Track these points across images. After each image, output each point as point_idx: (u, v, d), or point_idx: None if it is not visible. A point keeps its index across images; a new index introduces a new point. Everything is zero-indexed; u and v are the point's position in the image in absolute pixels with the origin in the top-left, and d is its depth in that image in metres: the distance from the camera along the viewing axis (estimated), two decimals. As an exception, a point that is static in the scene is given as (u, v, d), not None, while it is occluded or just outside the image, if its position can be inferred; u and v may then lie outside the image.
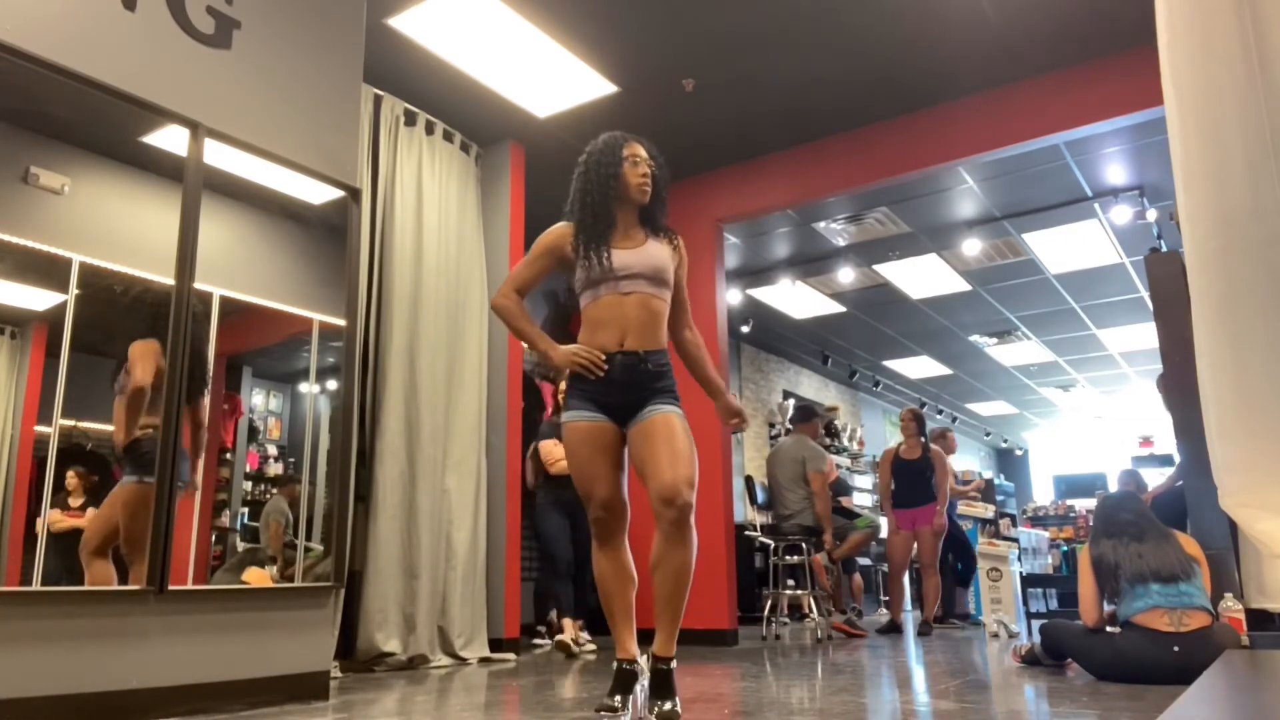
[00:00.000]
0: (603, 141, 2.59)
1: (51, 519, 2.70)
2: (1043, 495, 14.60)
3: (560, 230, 2.57)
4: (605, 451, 2.44)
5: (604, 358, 2.44)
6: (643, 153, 2.58)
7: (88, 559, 2.78)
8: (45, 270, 2.79)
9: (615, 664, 2.43)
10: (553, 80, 4.70)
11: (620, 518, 2.49)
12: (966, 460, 14.91)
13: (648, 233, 2.58)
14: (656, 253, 2.53)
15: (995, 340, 9.73)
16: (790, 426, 6.45)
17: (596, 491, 2.43)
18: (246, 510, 3.60)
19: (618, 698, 2.36)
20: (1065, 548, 9.10)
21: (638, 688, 2.41)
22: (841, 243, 6.94)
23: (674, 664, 2.35)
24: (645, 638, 2.31)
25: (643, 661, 2.45)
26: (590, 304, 2.51)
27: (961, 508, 7.67)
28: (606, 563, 2.48)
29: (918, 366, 10.91)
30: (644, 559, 2.40)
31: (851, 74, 4.78)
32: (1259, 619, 3.29)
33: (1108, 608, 3.29)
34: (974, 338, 9.63)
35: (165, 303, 2.80)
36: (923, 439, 6.43)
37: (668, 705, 2.27)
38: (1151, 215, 6.06)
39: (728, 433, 5.64)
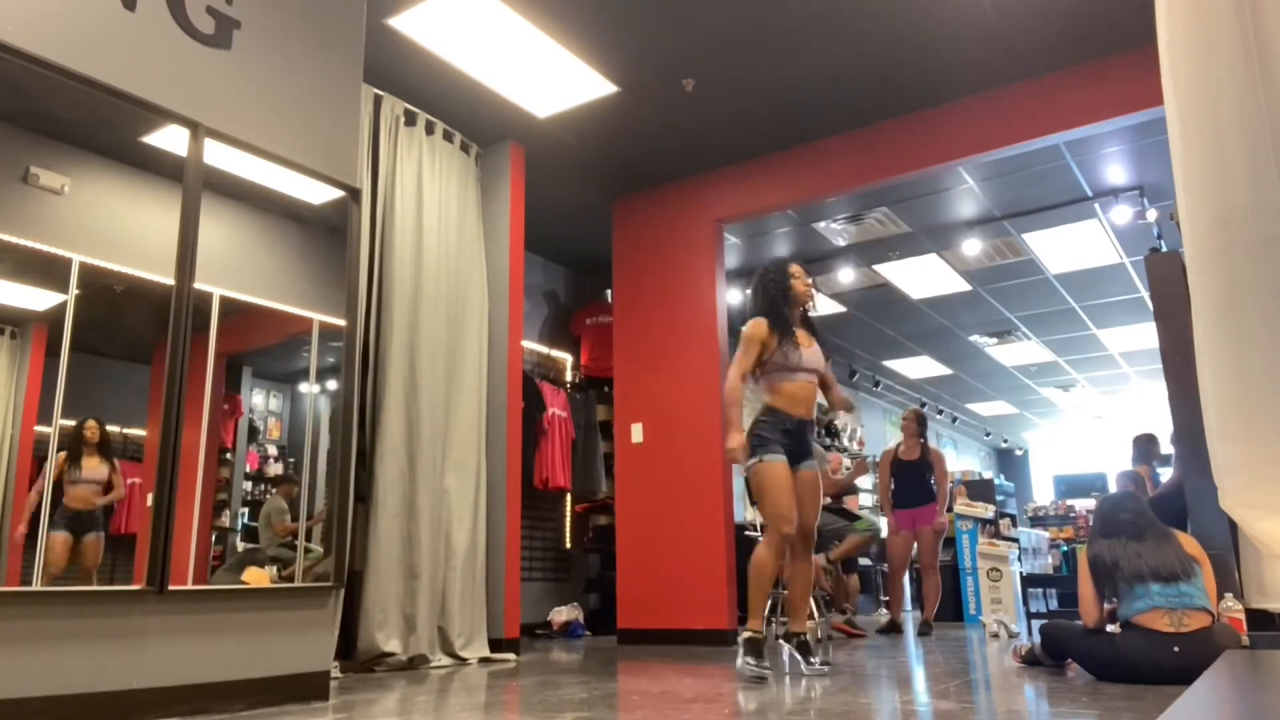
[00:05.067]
0: (773, 263, 3.71)
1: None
2: (1043, 495, 14.59)
3: (759, 323, 3.58)
4: (791, 485, 3.47)
5: (789, 425, 3.54)
6: (801, 270, 3.66)
7: None
8: (45, 270, 2.79)
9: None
10: (553, 80, 4.70)
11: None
12: (966, 460, 14.91)
13: (808, 332, 3.62)
14: (819, 353, 3.63)
15: (995, 340, 9.72)
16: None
17: (792, 514, 3.44)
18: (246, 510, 3.60)
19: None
20: (1065, 548, 9.08)
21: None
22: (841, 243, 6.94)
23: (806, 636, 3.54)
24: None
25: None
26: (783, 381, 3.55)
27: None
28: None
29: (918, 366, 10.91)
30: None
31: (851, 74, 4.78)
32: (1259, 619, 3.28)
33: (1108, 607, 3.29)
34: (974, 338, 9.63)
35: (165, 302, 2.80)
36: (922, 439, 6.43)
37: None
38: (1151, 215, 6.06)
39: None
